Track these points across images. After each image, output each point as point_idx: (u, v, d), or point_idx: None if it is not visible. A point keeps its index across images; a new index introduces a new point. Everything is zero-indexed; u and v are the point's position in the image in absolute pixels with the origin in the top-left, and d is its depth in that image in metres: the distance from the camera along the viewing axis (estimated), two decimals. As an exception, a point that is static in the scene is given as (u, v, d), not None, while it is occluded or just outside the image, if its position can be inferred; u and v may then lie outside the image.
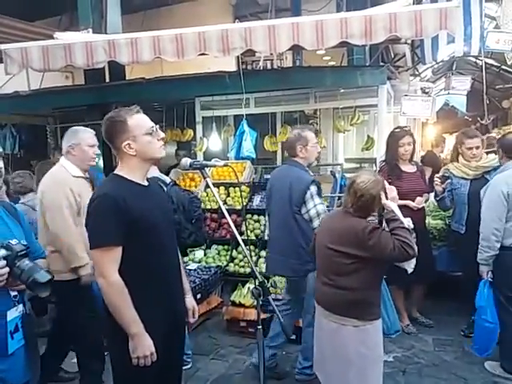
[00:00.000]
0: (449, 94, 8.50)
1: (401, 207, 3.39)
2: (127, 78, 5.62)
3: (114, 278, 1.72)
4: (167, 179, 3.10)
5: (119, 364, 1.84)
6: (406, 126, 4.10)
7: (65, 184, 2.74)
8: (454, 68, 9.15)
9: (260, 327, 1.80)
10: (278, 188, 3.05)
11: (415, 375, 3.13)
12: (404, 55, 7.34)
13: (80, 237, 2.62)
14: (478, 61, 8.66)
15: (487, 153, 3.74)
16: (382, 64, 5.38)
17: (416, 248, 2.20)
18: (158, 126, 1.91)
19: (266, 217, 3.47)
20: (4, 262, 1.45)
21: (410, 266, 2.30)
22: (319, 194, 2.92)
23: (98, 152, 2.97)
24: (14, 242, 1.51)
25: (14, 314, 1.50)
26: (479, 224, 3.04)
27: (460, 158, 3.59)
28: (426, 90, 7.53)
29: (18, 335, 1.52)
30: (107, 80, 5.51)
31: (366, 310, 2.24)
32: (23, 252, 1.53)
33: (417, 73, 8.30)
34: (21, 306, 1.54)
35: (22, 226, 1.78)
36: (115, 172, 1.90)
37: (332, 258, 2.27)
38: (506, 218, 2.91)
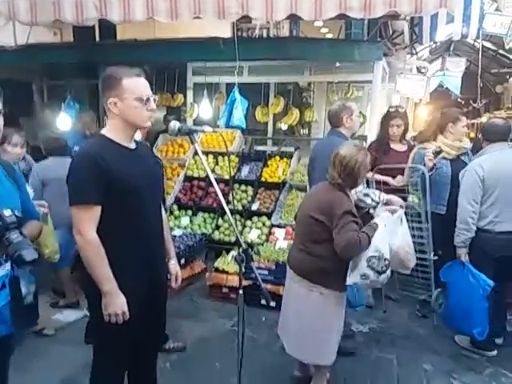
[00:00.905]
0: (444, 75, 8.48)
1: (381, 183, 3.49)
2: (118, 39, 5.46)
3: (90, 236, 1.73)
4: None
5: (94, 318, 1.88)
6: (400, 106, 4.11)
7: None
8: (451, 49, 9.09)
9: (241, 292, 1.84)
10: (321, 160, 2.94)
11: (388, 345, 3.26)
12: (402, 32, 7.24)
13: None
14: (475, 43, 8.60)
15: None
16: (379, 40, 5.31)
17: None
18: (154, 97, 1.87)
19: (308, 188, 3.42)
20: None
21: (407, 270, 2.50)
22: None
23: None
24: (7, 212, 1.49)
25: (1, 272, 1.53)
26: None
27: (441, 137, 3.54)
28: (422, 70, 7.49)
29: (5, 291, 1.55)
30: (97, 39, 5.35)
31: (333, 279, 2.36)
32: (14, 224, 1.52)
33: (414, 51, 8.23)
34: (8, 265, 1.54)
35: (19, 187, 1.75)
36: (101, 132, 1.89)
37: (311, 226, 2.37)
38: (480, 201, 2.98)
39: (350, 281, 2.34)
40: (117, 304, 1.76)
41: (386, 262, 2.29)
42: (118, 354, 1.91)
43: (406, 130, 3.86)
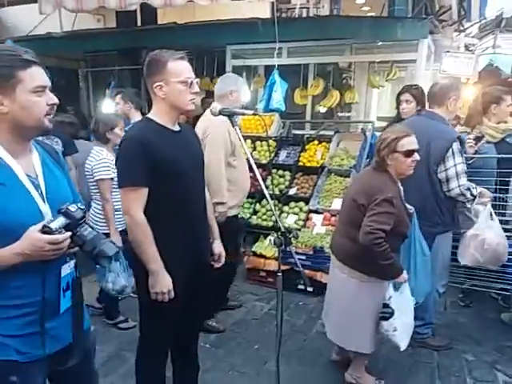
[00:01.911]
0: (494, 53, 7.96)
1: None
2: (159, 23, 5.51)
3: (138, 217, 1.79)
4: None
5: (142, 296, 1.95)
6: (414, 85, 3.72)
7: (224, 126, 2.85)
8: (502, 25, 8.51)
9: (280, 275, 1.84)
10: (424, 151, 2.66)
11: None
12: (450, 8, 6.84)
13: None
14: (531, 17, 8.00)
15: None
16: (424, 16, 5.05)
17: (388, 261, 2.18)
18: (197, 80, 1.89)
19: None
20: (68, 234, 1.26)
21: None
22: (461, 152, 2.66)
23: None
24: (73, 208, 1.29)
25: (66, 270, 1.40)
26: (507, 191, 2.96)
27: (486, 121, 3.30)
28: (470, 48, 7.08)
29: (69, 294, 1.41)
30: (139, 24, 5.43)
31: (373, 266, 2.25)
32: (83, 219, 1.34)
33: (462, 28, 7.77)
34: (72, 262, 1.42)
35: (65, 172, 1.54)
36: (147, 115, 1.93)
37: (353, 210, 2.31)
38: None
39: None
40: (163, 283, 1.82)
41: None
42: (163, 331, 1.98)
43: (420, 109, 3.40)
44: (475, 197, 2.50)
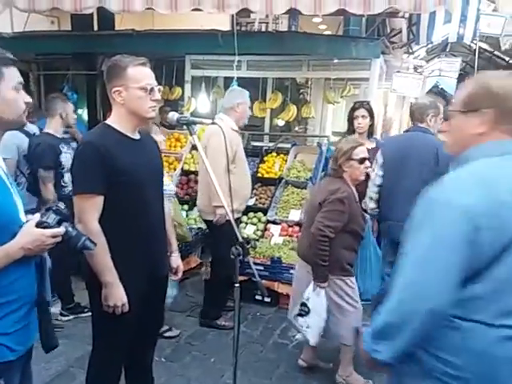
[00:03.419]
0: (440, 75, 8.47)
1: None
2: (116, 29, 5.40)
3: (92, 226, 1.73)
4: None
5: (95, 309, 1.88)
6: (366, 101, 3.91)
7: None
8: (447, 49, 9.11)
9: (238, 285, 1.84)
10: (416, 156, 2.82)
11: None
12: (400, 31, 7.25)
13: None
14: (472, 44, 8.63)
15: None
16: (377, 37, 5.31)
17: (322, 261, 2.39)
18: (159, 88, 1.86)
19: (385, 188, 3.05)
20: (63, 229, 1.35)
21: None
22: None
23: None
24: (61, 205, 1.39)
25: (48, 263, 1.46)
26: None
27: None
28: (419, 69, 7.50)
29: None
30: (95, 28, 5.29)
31: (335, 265, 2.44)
32: (68, 218, 1.43)
33: (411, 51, 8.24)
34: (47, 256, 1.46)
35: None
36: (105, 121, 1.88)
37: (315, 212, 2.49)
38: None
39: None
40: (117, 296, 1.76)
41: None
42: (117, 345, 1.91)
43: (372, 126, 3.68)
44: None
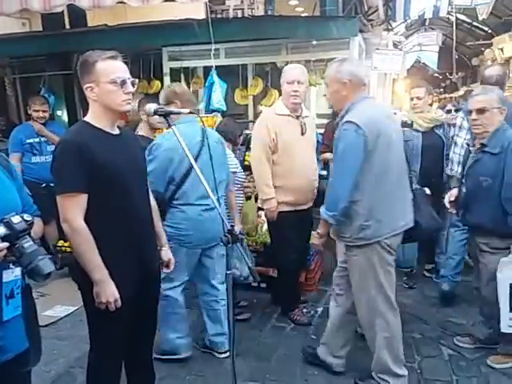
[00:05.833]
0: (421, 50, 8.46)
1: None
2: (89, 25, 5.30)
3: (77, 224, 1.72)
4: None
5: (89, 308, 1.88)
6: None
7: (265, 121, 3.08)
8: (426, 24, 9.08)
9: (230, 272, 1.84)
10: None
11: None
12: (377, 9, 7.20)
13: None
14: (450, 16, 8.62)
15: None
16: (354, 16, 5.27)
17: None
18: (132, 80, 1.83)
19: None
20: (5, 245, 1.28)
21: None
22: None
23: (296, 88, 3.12)
24: (15, 219, 1.29)
25: (9, 276, 1.38)
26: (431, 176, 3.31)
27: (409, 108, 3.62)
28: (398, 46, 7.48)
29: (15, 302, 1.41)
30: (67, 27, 5.18)
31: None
32: (26, 232, 1.33)
33: (390, 27, 8.20)
34: (18, 270, 1.40)
35: (14, 179, 1.55)
36: (83, 118, 1.86)
37: None
38: None
39: None
40: (109, 292, 1.75)
41: None
42: (114, 342, 1.90)
43: None
44: None
